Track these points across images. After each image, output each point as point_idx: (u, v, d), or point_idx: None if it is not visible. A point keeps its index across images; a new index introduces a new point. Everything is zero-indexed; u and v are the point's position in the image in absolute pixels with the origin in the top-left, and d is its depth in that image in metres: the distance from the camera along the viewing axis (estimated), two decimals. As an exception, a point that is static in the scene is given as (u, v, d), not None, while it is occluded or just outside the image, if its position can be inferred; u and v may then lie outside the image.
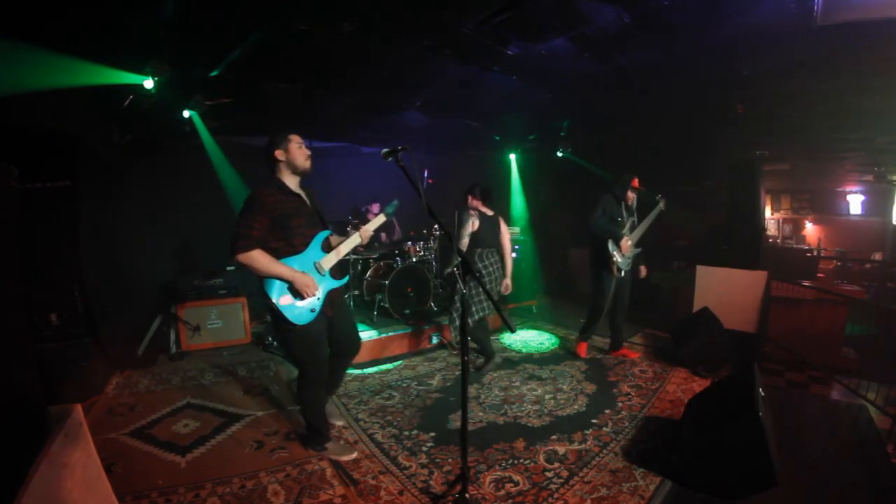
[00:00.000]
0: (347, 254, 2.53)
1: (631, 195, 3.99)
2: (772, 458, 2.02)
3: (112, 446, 2.55)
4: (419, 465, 2.45)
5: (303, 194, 2.43)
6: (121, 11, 2.59)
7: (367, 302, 4.91)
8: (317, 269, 2.34)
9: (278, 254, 2.23)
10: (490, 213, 3.75)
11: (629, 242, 3.90)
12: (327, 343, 2.48)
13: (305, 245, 2.32)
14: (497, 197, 7.37)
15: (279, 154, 2.32)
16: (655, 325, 5.10)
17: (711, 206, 5.88)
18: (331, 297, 2.40)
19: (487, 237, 3.68)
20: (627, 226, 3.94)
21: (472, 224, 3.63)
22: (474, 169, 7.32)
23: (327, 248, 2.43)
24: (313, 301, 2.29)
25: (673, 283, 5.86)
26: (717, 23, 2.91)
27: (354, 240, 2.51)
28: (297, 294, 2.23)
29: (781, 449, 2.26)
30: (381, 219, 2.65)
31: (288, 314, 2.22)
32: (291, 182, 2.37)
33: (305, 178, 2.42)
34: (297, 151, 2.33)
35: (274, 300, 2.19)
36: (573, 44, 3.24)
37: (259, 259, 2.14)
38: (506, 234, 3.85)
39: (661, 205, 4.08)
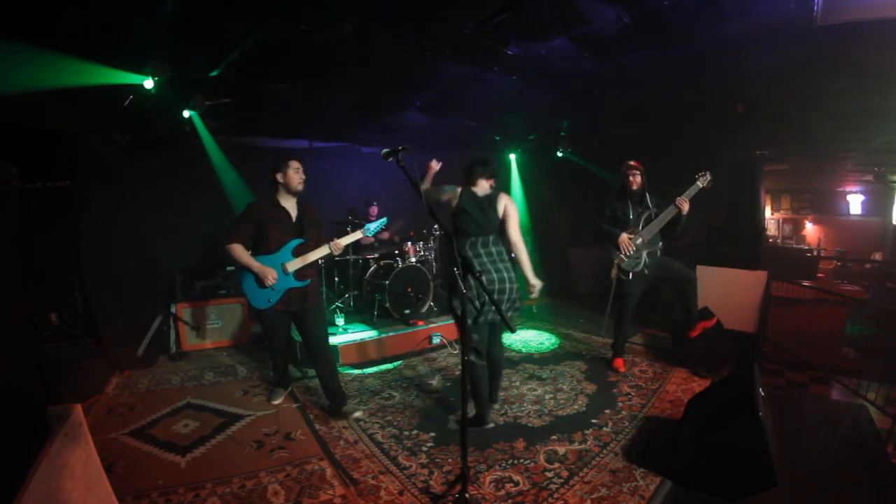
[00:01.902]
0: (322, 258, 2.97)
1: (634, 181, 3.58)
2: (772, 458, 2.02)
3: (112, 446, 2.55)
4: (419, 465, 2.45)
5: (291, 208, 2.90)
6: (121, 11, 2.59)
7: (367, 302, 4.91)
8: (282, 269, 2.83)
9: (256, 251, 2.85)
10: (481, 192, 2.82)
11: (639, 240, 3.56)
12: (285, 336, 3.17)
13: (278, 248, 2.84)
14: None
15: (278, 176, 2.84)
16: (655, 325, 5.09)
17: (711, 206, 5.87)
18: (289, 295, 2.88)
19: (469, 223, 2.73)
20: (642, 220, 3.60)
21: (445, 195, 2.82)
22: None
23: (297, 254, 2.87)
24: (270, 293, 2.85)
25: (673, 283, 5.84)
26: (717, 23, 2.91)
27: (323, 251, 2.89)
28: (259, 282, 2.81)
29: (781, 449, 2.26)
30: (358, 235, 3.00)
31: (249, 297, 2.88)
32: (284, 197, 2.89)
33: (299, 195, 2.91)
34: (294, 176, 2.83)
35: (242, 284, 2.88)
36: (573, 44, 3.25)
37: (236, 251, 2.78)
38: (511, 217, 2.79)
39: (700, 182, 3.48)
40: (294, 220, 2.90)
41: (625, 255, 3.60)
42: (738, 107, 4.31)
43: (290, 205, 2.91)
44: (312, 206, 3.00)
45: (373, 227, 3.01)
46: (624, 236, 3.59)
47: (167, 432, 2.77)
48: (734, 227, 5.08)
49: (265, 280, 2.77)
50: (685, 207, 3.45)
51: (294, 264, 2.85)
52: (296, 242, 2.87)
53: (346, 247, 3.06)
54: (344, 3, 2.66)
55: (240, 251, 2.79)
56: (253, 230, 2.83)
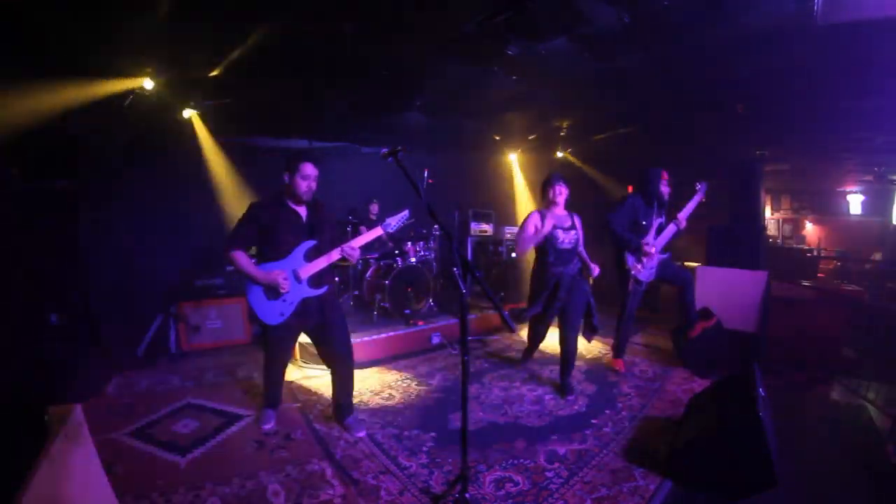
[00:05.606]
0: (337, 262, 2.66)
1: (666, 192, 3.65)
2: (772, 458, 2.02)
3: (112, 446, 2.55)
4: (419, 465, 2.45)
5: (300, 208, 2.62)
6: (121, 11, 2.59)
7: (367, 302, 4.91)
8: (295, 276, 2.55)
9: (263, 258, 2.55)
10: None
11: (652, 249, 3.56)
12: (291, 352, 2.83)
13: (288, 253, 2.55)
14: (498, 198, 7.45)
15: (286, 177, 2.55)
16: (655, 325, 5.10)
17: (711, 206, 5.87)
18: (305, 306, 2.59)
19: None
20: (654, 229, 3.63)
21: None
22: (474, 169, 7.33)
23: (311, 257, 2.60)
24: (283, 305, 2.54)
25: (673, 283, 5.84)
26: (717, 23, 2.91)
27: (334, 255, 2.60)
28: (270, 292, 2.51)
29: (781, 449, 2.26)
30: (377, 232, 2.71)
31: (258, 312, 2.54)
32: (292, 198, 2.59)
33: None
34: (300, 182, 2.52)
35: (248, 297, 2.54)
36: (573, 44, 3.24)
37: (238, 259, 2.49)
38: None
39: (701, 193, 3.71)
40: (304, 220, 2.62)
41: (642, 265, 3.60)
42: (738, 107, 4.31)
43: (298, 205, 2.63)
44: (323, 206, 2.71)
45: (394, 221, 2.66)
46: (647, 248, 3.58)
47: (167, 432, 2.77)
48: (734, 227, 5.08)
49: (277, 287, 2.46)
50: (684, 224, 3.71)
51: (308, 269, 2.55)
52: (308, 245, 2.58)
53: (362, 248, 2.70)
54: (344, 3, 2.66)
55: (242, 259, 2.48)
56: (256, 233, 2.53)
